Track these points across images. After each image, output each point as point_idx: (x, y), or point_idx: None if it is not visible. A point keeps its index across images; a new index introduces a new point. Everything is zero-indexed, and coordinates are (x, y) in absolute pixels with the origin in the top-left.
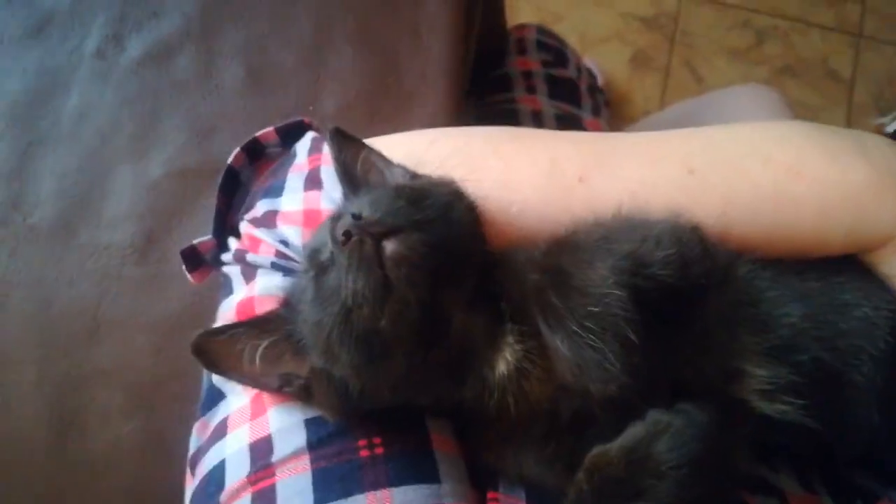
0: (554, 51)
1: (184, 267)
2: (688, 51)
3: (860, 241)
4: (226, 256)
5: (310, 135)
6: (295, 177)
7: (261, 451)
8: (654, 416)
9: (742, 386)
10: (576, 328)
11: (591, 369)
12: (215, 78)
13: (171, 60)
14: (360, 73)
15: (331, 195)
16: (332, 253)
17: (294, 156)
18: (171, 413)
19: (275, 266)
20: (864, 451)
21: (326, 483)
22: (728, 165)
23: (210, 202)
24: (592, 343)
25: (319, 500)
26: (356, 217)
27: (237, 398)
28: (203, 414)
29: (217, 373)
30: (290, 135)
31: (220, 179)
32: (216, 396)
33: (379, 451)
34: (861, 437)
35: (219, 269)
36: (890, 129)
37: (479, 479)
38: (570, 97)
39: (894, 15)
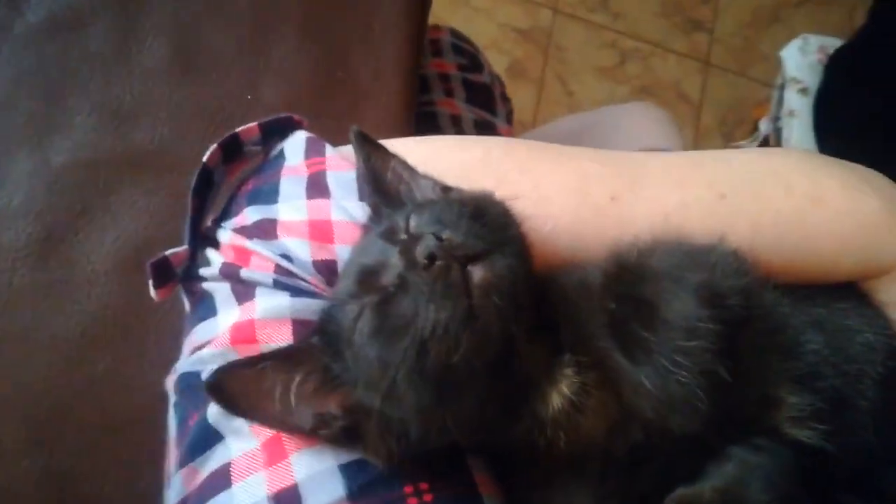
0: (469, 55)
1: (150, 282)
2: (560, 65)
3: (866, 269)
4: (206, 271)
5: (301, 135)
6: (291, 182)
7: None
8: (741, 454)
9: (777, 413)
10: (666, 363)
11: (679, 406)
12: (136, 55)
13: (81, 31)
14: (307, 64)
15: (342, 205)
16: (401, 277)
17: (282, 157)
18: (78, 447)
19: (278, 284)
20: (858, 473)
21: None
22: (754, 192)
23: (128, 198)
24: (683, 379)
25: None
26: (438, 238)
27: (242, 441)
28: (191, 459)
29: (236, 413)
30: (272, 132)
31: (193, 180)
32: (210, 437)
33: (428, 497)
34: (859, 459)
35: (190, 284)
36: None
37: None
38: (486, 104)
39: (738, 46)
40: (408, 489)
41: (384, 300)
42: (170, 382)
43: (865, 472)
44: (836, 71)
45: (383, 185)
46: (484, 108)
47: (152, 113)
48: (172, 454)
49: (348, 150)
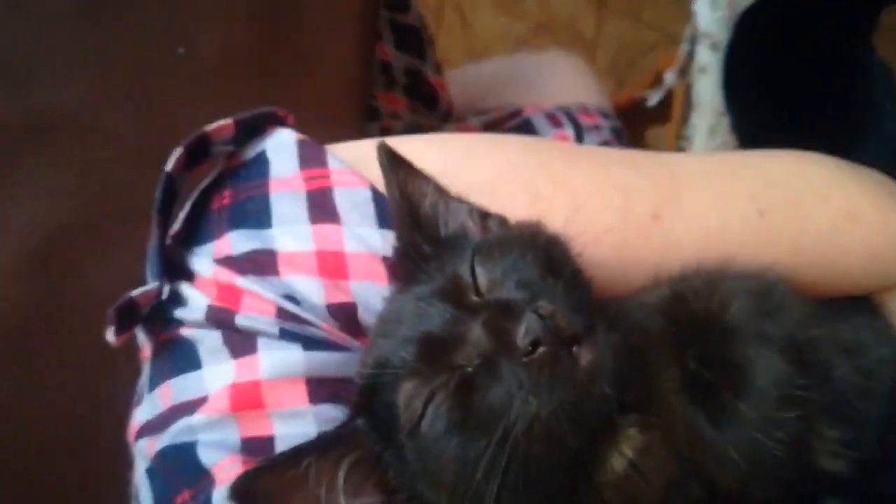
0: None
1: (111, 329)
2: None
3: (888, 282)
4: (185, 313)
5: (288, 136)
6: (285, 199)
7: None
8: None
9: (814, 448)
10: (759, 435)
11: (764, 474)
12: None
13: None
14: (245, 10)
15: (356, 232)
16: (488, 358)
17: (265, 163)
18: None
19: (285, 334)
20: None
21: None
22: (792, 208)
23: (32, 175)
24: (775, 451)
25: None
26: (539, 315)
27: None
28: None
29: None
30: (246, 129)
31: (157, 196)
32: None
33: None
34: (863, 473)
35: (159, 326)
36: (652, 102)
37: None
38: (416, 49)
39: None
40: None
41: (464, 385)
42: (141, 445)
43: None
44: (744, 28)
45: (421, 221)
46: (414, 54)
47: (56, 68)
48: None
49: (349, 154)
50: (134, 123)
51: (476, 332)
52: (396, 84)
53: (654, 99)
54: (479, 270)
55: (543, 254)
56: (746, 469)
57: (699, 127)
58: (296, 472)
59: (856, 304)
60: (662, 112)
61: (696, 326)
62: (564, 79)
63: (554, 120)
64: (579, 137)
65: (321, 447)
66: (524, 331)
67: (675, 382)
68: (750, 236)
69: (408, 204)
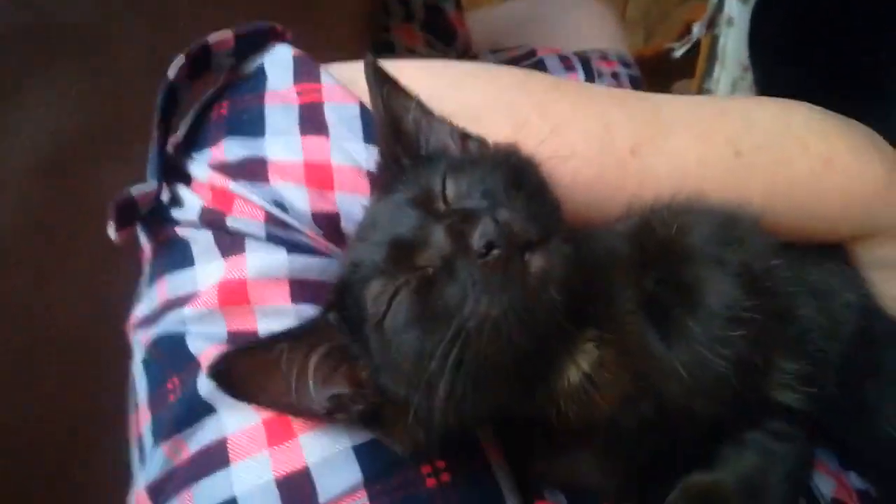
0: None
1: (111, 224)
2: None
3: (861, 232)
4: (181, 214)
5: (285, 52)
6: (278, 111)
7: (298, 489)
8: (761, 441)
9: (769, 379)
10: (706, 352)
11: (709, 391)
12: None
13: None
14: None
15: (343, 146)
16: (447, 260)
17: (263, 77)
18: None
19: (272, 237)
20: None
21: None
22: (771, 151)
23: (45, 85)
24: (720, 368)
25: None
26: (495, 220)
27: (238, 416)
28: (177, 430)
29: (244, 400)
30: (247, 44)
31: (158, 102)
32: (199, 410)
33: (445, 477)
34: (823, 412)
35: (157, 226)
36: (678, 54)
37: (521, 484)
38: None
39: None
40: (426, 469)
41: (425, 283)
42: (138, 336)
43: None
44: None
45: (402, 135)
46: None
47: None
48: (143, 415)
49: (342, 73)
50: (144, 36)
51: (438, 235)
52: (414, 18)
53: (680, 51)
54: (448, 182)
55: (512, 170)
56: (692, 384)
57: (721, 80)
58: (268, 356)
59: (828, 251)
60: (689, 65)
61: (656, 251)
62: (587, 24)
63: (567, 63)
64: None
65: (294, 336)
66: (479, 234)
67: (634, 303)
68: (726, 175)
69: (390, 118)
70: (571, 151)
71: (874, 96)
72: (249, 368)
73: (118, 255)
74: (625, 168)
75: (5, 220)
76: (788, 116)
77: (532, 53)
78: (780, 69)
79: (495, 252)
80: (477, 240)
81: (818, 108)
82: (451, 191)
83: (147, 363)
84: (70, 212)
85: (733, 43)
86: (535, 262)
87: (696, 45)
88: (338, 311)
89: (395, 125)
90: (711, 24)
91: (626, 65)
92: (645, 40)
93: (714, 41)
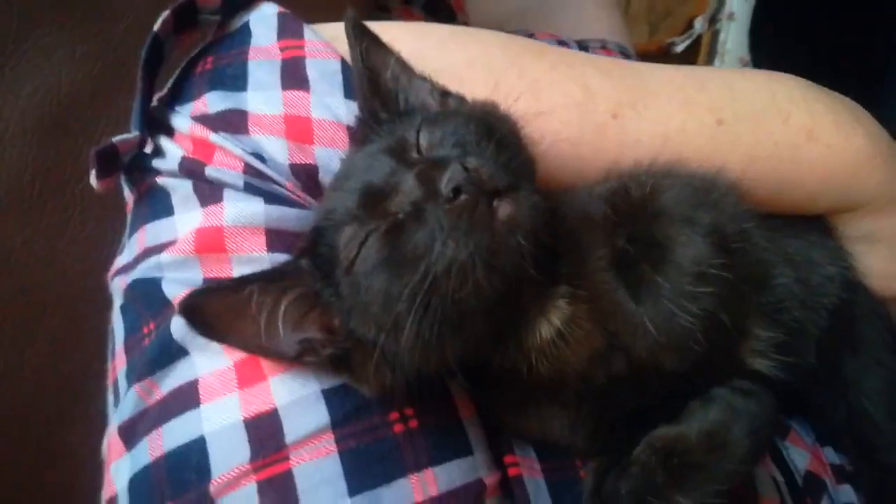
0: None
1: (93, 172)
2: None
3: (839, 205)
4: (162, 163)
5: (270, 9)
6: (261, 66)
7: (265, 429)
8: (727, 397)
9: (743, 345)
10: (672, 307)
11: (676, 348)
12: None
13: None
14: None
15: (325, 101)
16: (417, 206)
17: (248, 34)
18: None
19: (249, 187)
20: (797, 396)
21: (361, 466)
22: (752, 121)
23: (48, 45)
24: (686, 323)
25: (356, 487)
26: (465, 168)
27: (210, 358)
28: (150, 373)
29: (213, 338)
30: (234, 2)
31: (143, 52)
32: (172, 352)
33: (413, 423)
34: (801, 383)
35: (139, 175)
36: (679, 48)
37: (491, 440)
38: None
39: None
40: (394, 415)
41: (394, 228)
42: (116, 283)
43: (804, 394)
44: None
45: (380, 90)
46: None
47: None
48: (119, 360)
49: (326, 31)
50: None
51: (408, 182)
52: (414, 0)
53: (681, 45)
54: (423, 133)
55: (487, 123)
56: (660, 340)
57: None
58: (238, 297)
59: (810, 224)
60: (690, 60)
61: (629, 210)
62: (589, 15)
63: (564, 47)
64: None
65: (265, 279)
66: (447, 179)
67: (606, 261)
68: (707, 143)
69: (369, 72)
70: (550, 112)
71: (874, 85)
72: (219, 308)
73: (116, 212)
74: (605, 132)
75: (4, 174)
76: (773, 88)
77: (529, 37)
78: (780, 62)
79: (463, 197)
80: (445, 184)
81: (805, 81)
82: (424, 141)
83: (124, 308)
84: (70, 169)
85: (734, 38)
86: (503, 209)
87: (698, 40)
88: (310, 256)
89: (373, 80)
90: (713, 19)
91: (625, 56)
92: (649, 35)
93: (715, 36)
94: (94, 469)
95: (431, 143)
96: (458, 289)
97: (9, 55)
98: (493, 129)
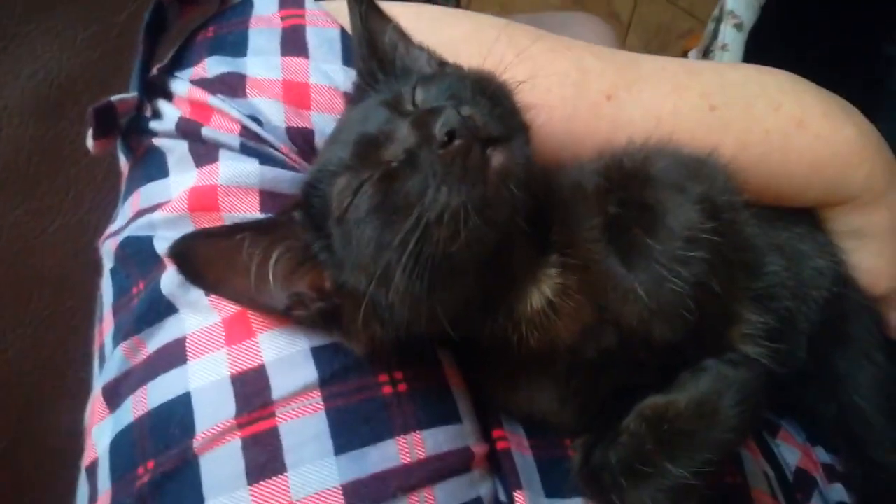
0: None
1: (90, 131)
2: None
3: (828, 198)
4: (158, 125)
5: None
6: (262, 34)
7: (252, 385)
8: (718, 367)
9: (733, 329)
10: (664, 271)
11: (667, 315)
12: None
13: None
14: None
15: (322, 67)
16: (411, 153)
17: (250, 4)
18: None
19: (245, 148)
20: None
21: (348, 425)
22: (744, 108)
23: (51, 28)
24: (678, 288)
25: (342, 446)
26: (460, 114)
27: (199, 315)
28: (137, 331)
29: (203, 287)
30: None
31: (145, 17)
32: (161, 309)
33: (402, 387)
34: (790, 376)
35: (136, 138)
36: None
37: (480, 414)
38: None
39: None
40: (383, 378)
41: (388, 175)
42: (107, 245)
43: (784, 384)
44: (771, 11)
45: (378, 51)
46: None
47: None
48: (106, 323)
49: (330, 6)
50: None
51: (403, 129)
52: None
53: None
54: (419, 90)
55: (481, 82)
56: (651, 306)
57: None
58: (230, 243)
59: (799, 217)
60: None
61: (621, 178)
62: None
63: None
64: None
65: (257, 227)
66: (441, 123)
67: (598, 231)
68: (699, 127)
69: (367, 34)
70: (546, 88)
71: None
72: (210, 254)
73: (111, 195)
74: (599, 111)
75: (1, 154)
76: (764, 78)
77: None
78: None
79: (457, 142)
80: (439, 128)
81: (795, 76)
82: (420, 96)
83: (114, 271)
84: (66, 151)
85: None
86: (497, 157)
87: None
88: (303, 208)
89: (371, 42)
90: (706, 51)
91: None
92: None
93: None
94: (77, 450)
95: (427, 98)
96: (449, 238)
97: (11, 37)
98: (488, 87)
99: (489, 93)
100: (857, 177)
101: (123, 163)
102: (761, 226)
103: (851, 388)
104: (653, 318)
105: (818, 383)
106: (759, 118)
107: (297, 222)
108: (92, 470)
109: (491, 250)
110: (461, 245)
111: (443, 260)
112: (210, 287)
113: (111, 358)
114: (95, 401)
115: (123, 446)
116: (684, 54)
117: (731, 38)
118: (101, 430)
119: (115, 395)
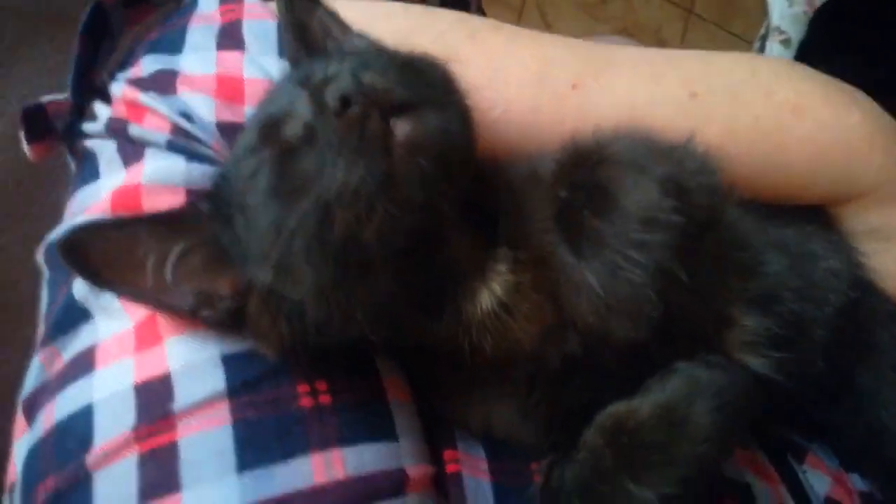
0: None
1: (22, 134)
2: None
3: (838, 192)
4: (91, 126)
5: None
6: (200, 30)
7: (154, 395)
8: (689, 370)
9: (730, 335)
10: (617, 258)
11: (626, 309)
12: None
13: None
14: None
15: (257, 60)
16: (309, 127)
17: (195, 4)
18: None
19: (172, 146)
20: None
21: (256, 440)
22: (730, 94)
23: (40, 55)
24: (635, 278)
25: (247, 463)
26: (355, 77)
27: (112, 321)
28: (53, 339)
29: (96, 282)
30: None
31: (83, 18)
32: (76, 316)
33: (324, 399)
34: (803, 390)
35: (74, 142)
36: None
37: (431, 433)
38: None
39: None
40: (302, 387)
41: (285, 153)
42: (41, 254)
43: (805, 402)
44: (819, 25)
45: (308, 39)
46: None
47: None
48: (39, 334)
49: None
50: None
51: (302, 102)
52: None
53: None
54: (332, 64)
55: (404, 58)
56: (606, 299)
57: None
58: (123, 234)
59: (808, 215)
60: None
61: (574, 160)
62: None
63: None
64: None
65: (156, 219)
66: (334, 88)
67: (550, 221)
68: (678, 116)
69: (294, 20)
70: (505, 80)
71: None
72: (102, 247)
73: None
74: (564, 101)
75: None
76: (755, 64)
77: None
78: None
79: (352, 108)
80: (330, 94)
81: (793, 62)
82: (331, 69)
83: (50, 281)
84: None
85: None
86: (402, 126)
87: None
88: (213, 200)
89: (299, 30)
90: None
91: None
92: None
93: None
94: None
95: (338, 70)
96: (355, 222)
97: (1, 63)
98: (415, 63)
99: (413, 67)
100: (868, 168)
101: (73, 166)
102: (761, 222)
103: (878, 405)
104: (610, 312)
105: (841, 400)
106: (748, 104)
107: (203, 214)
108: (12, 490)
109: (412, 239)
110: (372, 231)
111: (352, 248)
112: (105, 283)
113: (31, 369)
114: (19, 416)
115: (32, 464)
116: None
117: (778, 53)
118: (19, 447)
119: (31, 408)
